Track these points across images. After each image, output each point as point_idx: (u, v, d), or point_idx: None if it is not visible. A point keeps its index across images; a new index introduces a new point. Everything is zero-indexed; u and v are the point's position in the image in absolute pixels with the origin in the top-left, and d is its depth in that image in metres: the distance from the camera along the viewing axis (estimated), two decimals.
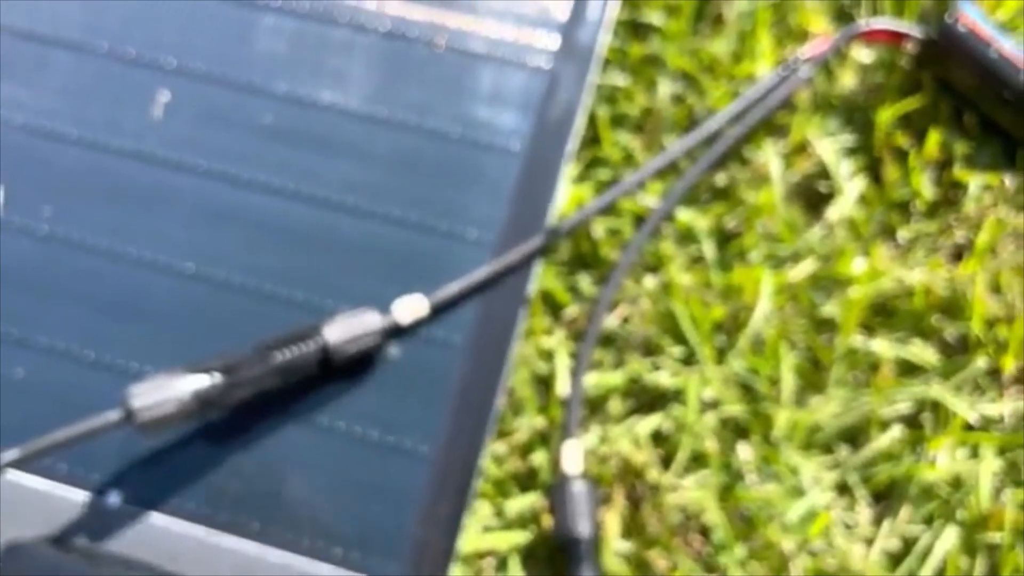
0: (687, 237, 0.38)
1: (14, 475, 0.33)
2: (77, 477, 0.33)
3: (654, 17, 0.40)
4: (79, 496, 0.33)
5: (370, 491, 0.33)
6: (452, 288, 0.35)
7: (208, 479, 0.34)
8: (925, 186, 0.38)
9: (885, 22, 0.39)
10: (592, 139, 0.39)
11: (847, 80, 0.40)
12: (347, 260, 0.36)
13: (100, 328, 0.35)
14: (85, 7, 0.40)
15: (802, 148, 0.39)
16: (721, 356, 0.36)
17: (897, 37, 0.39)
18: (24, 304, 0.35)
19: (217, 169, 0.37)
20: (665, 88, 0.40)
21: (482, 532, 0.33)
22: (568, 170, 0.38)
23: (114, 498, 0.33)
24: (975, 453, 0.35)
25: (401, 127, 0.38)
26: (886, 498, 0.35)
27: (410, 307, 0.34)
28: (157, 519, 0.33)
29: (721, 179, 0.38)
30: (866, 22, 0.39)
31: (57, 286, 0.36)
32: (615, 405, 0.35)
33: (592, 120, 0.39)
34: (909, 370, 0.36)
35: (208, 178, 0.37)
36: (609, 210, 0.38)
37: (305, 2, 0.40)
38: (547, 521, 0.34)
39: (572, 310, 0.37)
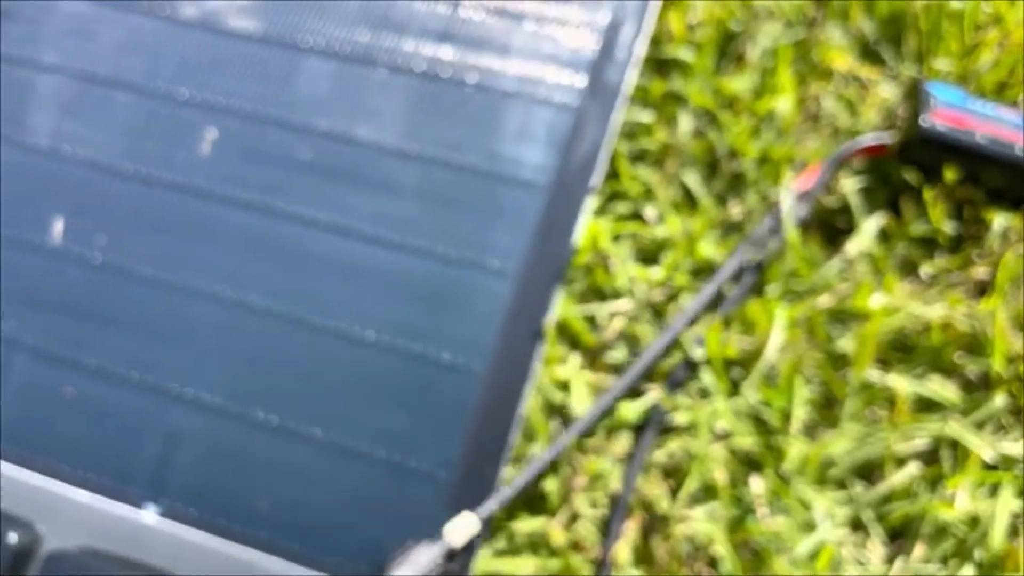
0: (703, 270, 0.36)
1: (59, 487, 0.34)
2: (118, 491, 0.34)
3: (679, 52, 0.39)
4: (119, 509, 0.33)
5: (390, 514, 0.33)
6: (502, 496, 0.32)
7: (240, 498, 0.33)
8: (945, 222, 0.36)
9: (868, 139, 0.36)
10: (612, 173, 0.38)
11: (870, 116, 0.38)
12: (378, 288, 0.36)
13: (145, 351, 0.35)
14: (146, 53, 0.40)
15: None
16: (735, 389, 0.34)
17: (882, 149, 0.37)
18: (76, 327, 0.36)
19: (259, 202, 0.37)
20: (686, 124, 0.38)
21: (492, 556, 0.32)
22: (590, 204, 0.36)
23: (151, 512, 0.33)
24: (995, 492, 0.32)
25: (432, 162, 0.38)
26: (901, 537, 0.33)
27: (462, 528, 0.31)
28: (191, 534, 0.33)
29: (737, 212, 0.37)
30: (848, 145, 0.36)
31: (107, 311, 0.36)
32: (627, 436, 0.34)
33: (612, 155, 0.38)
34: (927, 407, 0.34)
35: (251, 211, 0.37)
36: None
37: (347, 45, 0.40)
38: (556, 543, 0.32)
39: (588, 340, 0.35)
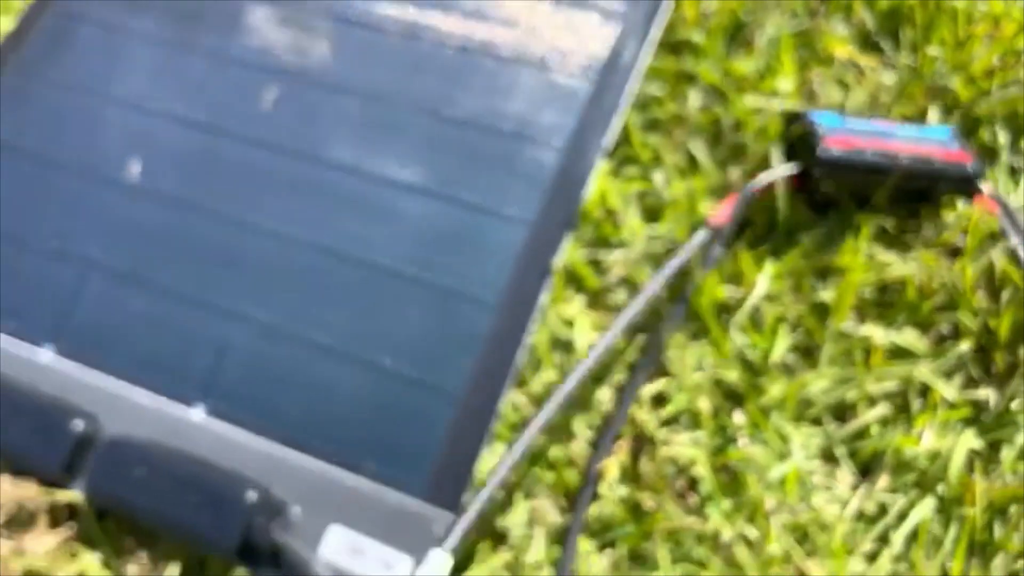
0: (701, 227, 0.40)
1: (121, 386, 0.38)
2: (172, 391, 0.38)
3: (692, 35, 0.43)
4: (172, 407, 0.38)
5: (406, 420, 0.37)
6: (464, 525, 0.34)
7: (278, 403, 0.38)
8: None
9: (771, 175, 0.38)
10: (625, 141, 0.41)
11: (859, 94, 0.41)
12: (409, 228, 0.40)
13: (203, 274, 0.40)
14: (219, 22, 0.46)
15: None
16: (724, 332, 0.38)
17: (792, 180, 0.38)
18: (147, 252, 0.41)
19: (308, 151, 0.42)
20: (695, 99, 0.42)
21: (490, 462, 0.36)
22: (601, 165, 0.40)
23: (200, 411, 0.38)
24: (958, 433, 0.35)
25: (463, 123, 0.42)
26: (870, 472, 0.35)
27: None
28: (233, 431, 0.37)
29: (737, 177, 0.40)
30: (757, 180, 0.38)
31: (174, 239, 0.41)
32: (621, 369, 0.37)
33: (626, 124, 0.42)
34: (900, 355, 0.37)
35: (301, 159, 0.42)
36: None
37: (394, 23, 0.45)
38: (552, 457, 0.36)
39: (592, 283, 0.39)
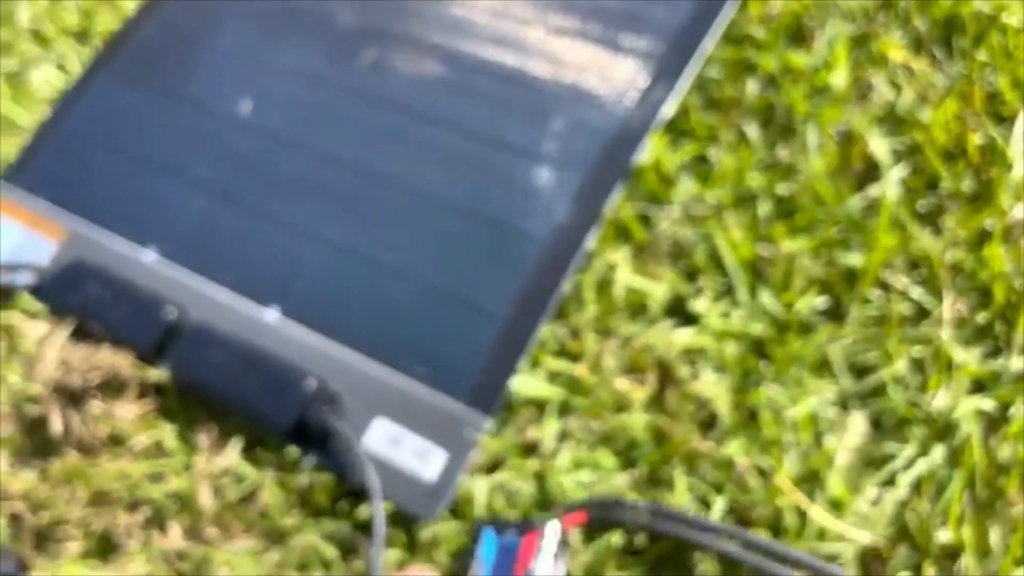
0: (746, 197, 0.43)
1: (208, 285, 0.43)
2: (252, 293, 0.43)
3: (754, 30, 0.47)
4: (250, 307, 0.43)
5: (455, 332, 0.40)
6: None
7: (343, 311, 0.42)
8: (964, 180, 0.41)
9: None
10: (683, 116, 0.45)
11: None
12: (473, 170, 0.44)
13: (291, 198, 0.45)
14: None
15: (858, 139, 0.43)
16: (753, 292, 0.40)
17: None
18: (246, 176, 0.46)
19: (393, 99, 0.47)
20: (752, 85, 0.45)
21: (528, 381, 0.39)
22: (657, 133, 0.44)
23: (274, 311, 0.42)
24: (971, 394, 0.37)
25: (540, 90, 0.46)
26: (882, 424, 0.37)
27: None
28: (301, 332, 0.42)
29: (784, 155, 0.43)
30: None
31: (270, 167, 0.46)
32: (656, 308, 0.40)
33: (685, 103, 0.45)
34: (923, 320, 0.39)
35: (387, 107, 0.47)
36: None
37: (481, 9, 0.50)
38: (582, 377, 0.39)
39: (639, 235, 0.42)
